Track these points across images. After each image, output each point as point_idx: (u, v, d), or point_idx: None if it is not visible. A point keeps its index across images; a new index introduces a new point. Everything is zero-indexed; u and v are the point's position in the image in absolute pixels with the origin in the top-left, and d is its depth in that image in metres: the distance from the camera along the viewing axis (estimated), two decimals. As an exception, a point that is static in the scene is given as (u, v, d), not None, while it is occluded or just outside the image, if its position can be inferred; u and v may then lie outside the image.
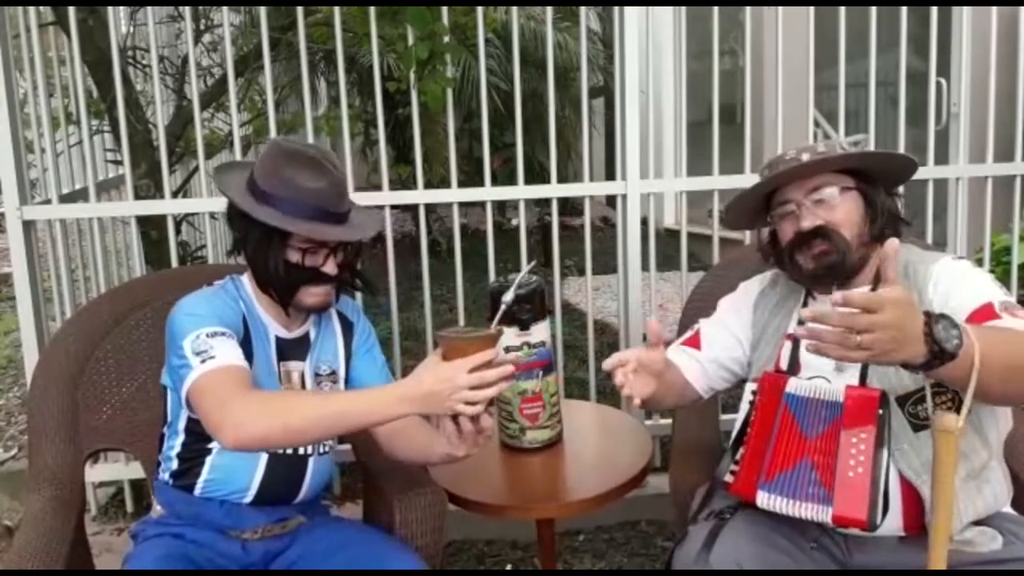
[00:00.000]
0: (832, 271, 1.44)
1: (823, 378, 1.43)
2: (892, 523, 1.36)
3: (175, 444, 1.54)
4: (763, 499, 1.38)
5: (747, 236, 2.64)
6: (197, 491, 1.52)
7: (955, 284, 1.39)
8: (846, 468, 1.31)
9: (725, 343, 1.60)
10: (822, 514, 1.32)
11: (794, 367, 1.49)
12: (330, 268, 1.50)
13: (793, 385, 1.41)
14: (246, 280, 1.56)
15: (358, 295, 2.33)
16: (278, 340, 1.56)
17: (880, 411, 1.32)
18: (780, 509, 1.36)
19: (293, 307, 1.53)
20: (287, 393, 1.49)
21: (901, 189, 1.56)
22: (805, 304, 1.52)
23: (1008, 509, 1.44)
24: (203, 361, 1.37)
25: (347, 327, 1.66)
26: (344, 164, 2.49)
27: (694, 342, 1.63)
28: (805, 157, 1.44)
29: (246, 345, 1.49)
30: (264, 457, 1.52)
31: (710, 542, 1.36)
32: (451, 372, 1.25)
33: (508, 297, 1.46)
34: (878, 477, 1.30)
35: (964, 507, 1.36)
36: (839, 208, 1.43)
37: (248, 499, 1.53)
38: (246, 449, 1.43)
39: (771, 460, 1.39)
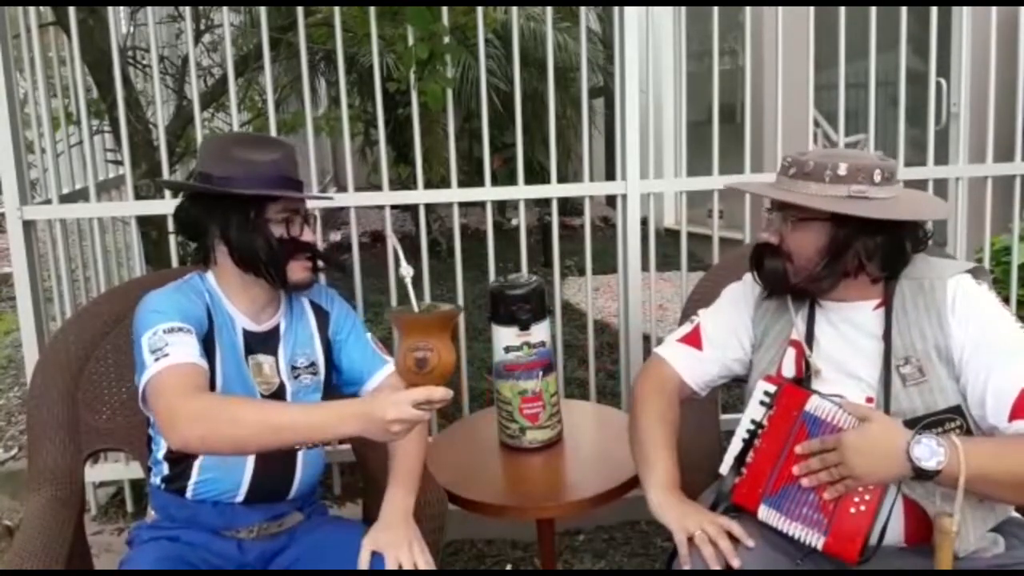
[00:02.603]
0: (768, 287, 1.48)
1: (839, 394, 1.40)
2: (893, 537, 1.35)
3: (162, 446, 1.53)
4: (764, 513, 1.37)
5: (747, 236, 2.64)
6: (189, 494, 1.52)
7: (989, 353, 1.32)
8: (849, 504, 1.30)
9: (728, 344, 1.57)
10: (813, 539, 1.32)
11: (801, 374, 1.46)
12: (308, 236, 1.54)
13: (814, 404, 1.37)
14: (211, 276, 1.56)
15: (359, 295, 2.33)
16: (246, 333, 1.55)
17: None
18: (774, 523, 1.36)
19: (286, 287, 1.55)
20: (236, 400, 1.42)
21: (930, 225, 1.48)
22: (811, 311, 1.48)
23: (1013, 513, 1.43)
24: (157, 360, 1.37)
25: (322, 316, 1.66)
26: (344, 164, 2.51)
27: (694, 340, 1.59)
28: (791, 172, 1.41)
29: (210, 339, 1.49)
30: (252, 455, 1.52)
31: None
32: (399, 408, 1.25)
33: (404, 271, 1.36)
34: (879, 515, 1.30)
35: (976, 527, 1.35)
36: (794, 235, 1.41)
37: (240, 498, 1.53)
38: (192, 452, 1.45)
39: (778, 476, 1.37)
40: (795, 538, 1.33)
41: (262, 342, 1.57)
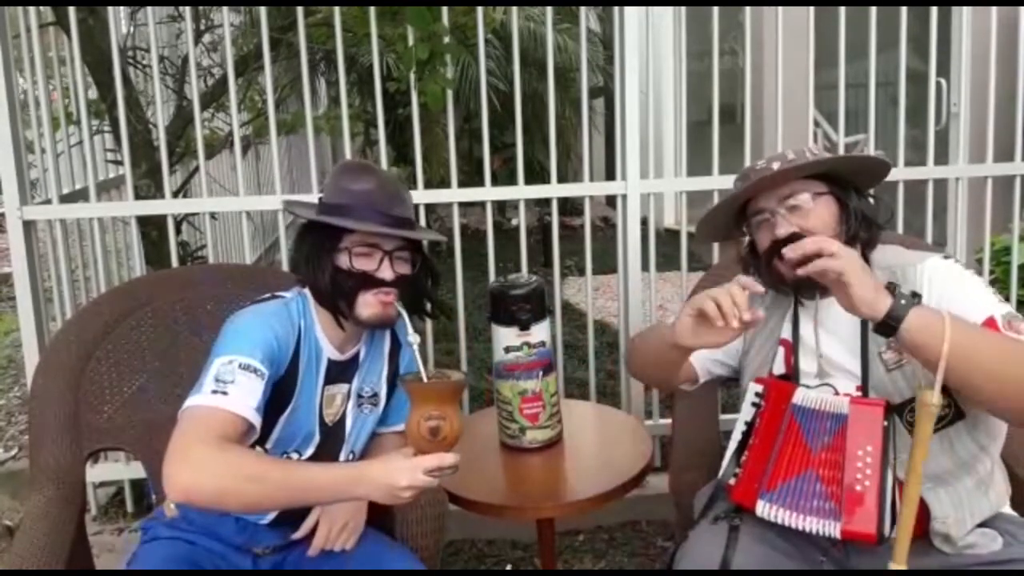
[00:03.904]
0: (812, 279, 1.43)
1: (827, 385, 1.43)
2: (891, 529, 1.36)
3: None
4: (763, 508, 1.37)
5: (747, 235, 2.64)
6: None
7: (953, 295, 1.36)
8: (853, 482, 1.31)
9: None
10: (829, 528, 1.32)
11: (791, 372, 1.48)
12: (386, 273, 1.43)
13: (800, 396, 1.40)
14: (311, 297, 1.51)
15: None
16: (329, 363, 1.52)
17: (885, 423, 1.32)
18: (783, 520, 1.35)
19: (353, 322, 1.47)
20: (257, 457, 1.35)
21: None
22: (795, 311, 1.51)
23: (1007, 509, 1.45)
24: (213, 392, 1.31)
25: (395, 346, 1.62)
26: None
27: None
28: (776, 166, 1.43)
29: (293, 371, 1.45)
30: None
31: (731, 547, 1.35)
32: (412, 475, 1.24)
33: (411, 339, 1.40)
34: (885, 490, 1.30)
35: (971, 513, 1.36)
36: (813, 214, 1.42)
37: (266, 520, 1.52)
38: (193, 503, 1.33)
39: (774, 470, 1.38)
40: (811, 532, 1.33)
41: (342, 371, 1.54)
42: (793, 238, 1.41)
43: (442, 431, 1.27)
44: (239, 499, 1.24)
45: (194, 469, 1.22)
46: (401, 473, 1.24)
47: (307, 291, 1.51)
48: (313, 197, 1.67)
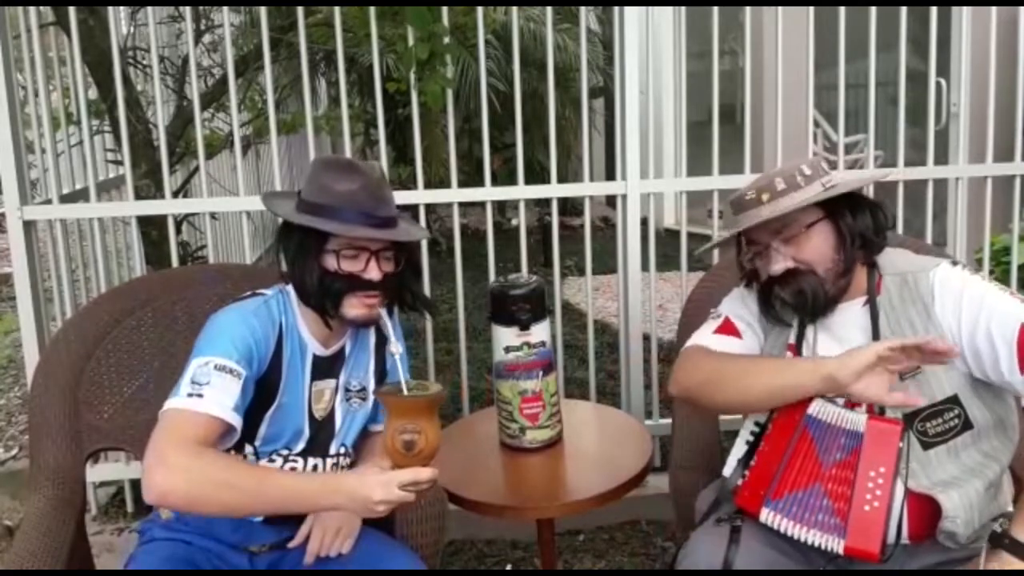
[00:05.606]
0: (811, 308, 1.43)
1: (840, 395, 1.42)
2: (896, 542, 1.36)
3: None
4: (767, 515, 1.37)
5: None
6: None
7: (973, 311, 1.34)
8: (862, 502, 1.30)
9: (755, 332, 1.56)
10: (833, 544, 1.32)
11: None
12: (373, 273, 1.44)
13: (816, 407, 1.38)
14: (292, 292, 1.51)
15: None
16: (315, 358, 1.52)
17: (901, 444, 1.32)
18: (786, 530, 1.35)
19: (339, 322, 1.48)
20: (231, 463, 1.33)
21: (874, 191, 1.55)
22: (802, 321, 1.50)
23: (1011, 509, 1.44)
24: (189, 395, 1.31)
25: (381, 342, 1.62)
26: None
27: (731, 330, 1.56)
28: (765, 197, 1.41)
29: (276, 367, 1.45)
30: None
31: (733, 547, 1.35)
32: (387, 490, 1.24)
33: (393, 348, 1.42)
34: (892, 509, 1.30)
35: (980, 515, 1.37)
36: (807, 245, 1.41)
37: (260, 517, 1.51)
38: (168, 506, 1.36)
39: (781, 478, 1.37)
40: (815, 545, 1.33)
41: (328, 367, 1.54)
42: (788, 275, 1.42)
43: (417, 445, 1.26)
44: (213, 504, 1.25)
45: (168, 472, 1.23)
46: (375, 488, 1.24)
47: (289, 287, 1.51)
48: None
